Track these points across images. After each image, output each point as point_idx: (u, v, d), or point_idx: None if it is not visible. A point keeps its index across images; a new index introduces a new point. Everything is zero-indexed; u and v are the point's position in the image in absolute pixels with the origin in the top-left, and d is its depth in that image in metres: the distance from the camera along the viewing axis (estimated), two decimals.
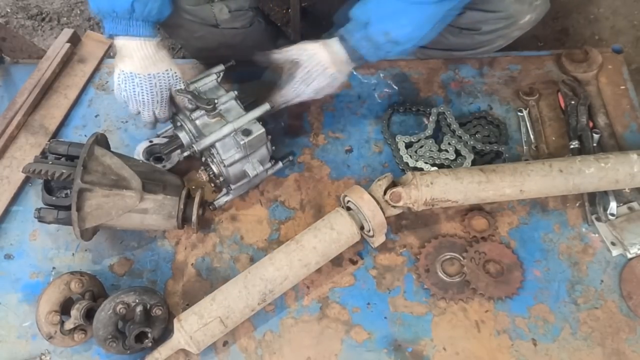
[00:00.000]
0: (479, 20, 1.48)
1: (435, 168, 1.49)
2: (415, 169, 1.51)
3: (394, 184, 1.33)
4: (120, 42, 1.26)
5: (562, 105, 1.60)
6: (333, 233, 1.28)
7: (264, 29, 1.61)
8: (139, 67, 1.26)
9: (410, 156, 1.52)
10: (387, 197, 1.31)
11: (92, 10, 1.24)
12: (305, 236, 1.30)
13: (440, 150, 1.54)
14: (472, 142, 1.53)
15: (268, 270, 1.25)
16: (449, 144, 1.54)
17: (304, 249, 1.27)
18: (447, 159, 1.52)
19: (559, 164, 1.33)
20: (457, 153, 1.53)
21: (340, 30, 1.33)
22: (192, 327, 1.19)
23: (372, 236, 1.35)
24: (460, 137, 1.54)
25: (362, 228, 1.33)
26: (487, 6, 1.44)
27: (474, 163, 1.50)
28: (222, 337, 1.29)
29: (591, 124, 1.54)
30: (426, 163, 1.51)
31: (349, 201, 1.33)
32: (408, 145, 1.54)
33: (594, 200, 1.43)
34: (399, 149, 1.54)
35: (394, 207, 1.32)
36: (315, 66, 1.33)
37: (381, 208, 1.29)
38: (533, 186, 1.32)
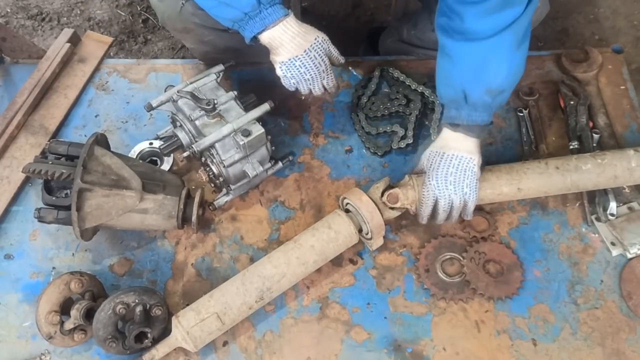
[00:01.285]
0: None
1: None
2: (377, 134, 1.59)
3: (391, 187, 1.34)
4: (265, 37, 1.24)
5: (562, 105, 1.60)
6: (331, 232, 1.29)
7: None
8: (294, 49, 1.25)
9: (367, 117, 1.60)
10: (384, 198, 1.31)
11: (224, 23, 1.26)
12: (303, 236, 1.31)
13: (390, 99, 1.62)
14: (420, 89, 1.61)
15: (266, 267, 1.26)
16: (397, 92, 1.63)
17: (301, 247, 1.28)
18: (399, 104, 1.60)
19: (555, 162, 1.34)
20: (407, 99, 1.61)
21: (444, 119, 1.29)
22: (189, 322, 1.20)
23: (371, 238, 1.35)
24: (409, 86, 1.62)
25: (360, 231, 1.34)
26: None
27: (424, 115, 1.60)
28: (222, 337, 1.30)
29: (591, 124, 1.54)
30: (383, 115, 1.60)
31: (347, 203, 1.33)
32: (361, 108, 1.61)
33: (593, 200, 1.43)
34: (362, 126, 1.58)
35: (392, 208, 1.32)
36: (456, 172, 1.26)
37: (379, 210, 1.29)
38: (531, 184, 1.32)
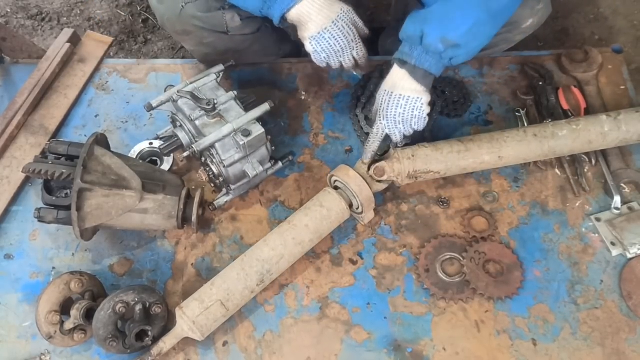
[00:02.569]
0: None
1: None
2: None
3: (376, 161, 1.38)
4: (294, 13, 1.26)
5: (563, 104, 1.60)
6: (323, 210, 1.32)
7: (271, 33, 1.61)
8: (322, 20, 1.26)
9: (367, 117, 1.58)
10: (371, 172, 1.36)
11: (252, 8, 1.29)
12: (296, 216, 1.33)
13: None
14: None
15: (264, 251, 1.28)
16: None
17: (296, 227, 1.31)
18: None
19: (533, 129, 1.40)
20: None
21: (396, 55, 1.31)
22: (194, 312, 1.21)
23: (361, 213, 1.37)
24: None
25: (350, 206, 1.36)
26: None
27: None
28: (222, 337, 1.30)
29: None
30: None
31: (336, 180, 1.37)
32: (361, 108, 1.59)
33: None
34: (361, 127, 1.58)
35: (379, 181, 1.36)
36: (396, 107, 1.31)
37: (367, 183, 1.32)
38: (510, 152, 1.38)
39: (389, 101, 1.31)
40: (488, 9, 1.21)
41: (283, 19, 1.29)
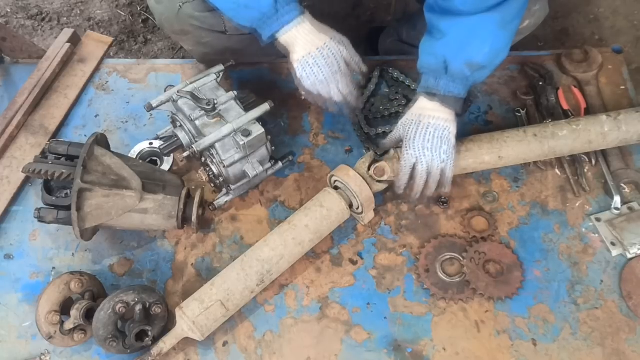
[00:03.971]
0: None
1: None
2: (377, 136, 1.58)
3: (376, 161, 1.38)
4: (282, 36, 1.24)
5: (563, 104, 1.60)
6: (323, 210, 1.32)
7: None
8: (307, 46, 1.24)
9: (366, 118, 1.60)
10: (371, 172, 1.35)
11: (242, 24, 1.25)
12: (296, 216, 1.33)
13: (390, 100, 1.63)
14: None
15: (264, 251, 1.28)
16: (397, 92, 1.63)
17: (296, 227, 1.30)
18: (399, 105, 1.61)
19: (533, 129, 1.40)
20: (407, 99, 1.61)
21: (420, 88, 1.31)
22: (194, 312, 1.20)
23: (361, 213, 1.37)
24: (409, 86, 1.63)
25: (350, 206, 1.36)
26: None
27: None
28: (222, 337, 1.30)
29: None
30: (382, 116, 1.61)
31: (336, 180, 1.37)
32: (360, 108, 1.59)
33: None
34: (361, 127, 1.59)
35: (379, 181, 1.36)
36: (429, 137, 1.28)
37: (367, 183, 1.33)
38: (510, 152, 1.38)
39: (417, 129, 1.28)
40: (503, 22, 1.20)
41: (274, 39, 1.26)
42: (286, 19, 1.21)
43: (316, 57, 1.24)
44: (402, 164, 1.31)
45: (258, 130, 1.32)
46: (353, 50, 1.29)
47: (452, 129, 1.29)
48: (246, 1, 1.20)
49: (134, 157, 1.53)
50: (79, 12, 2.53)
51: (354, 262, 1.40)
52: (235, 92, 1.38)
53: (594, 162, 1.50)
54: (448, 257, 1.39)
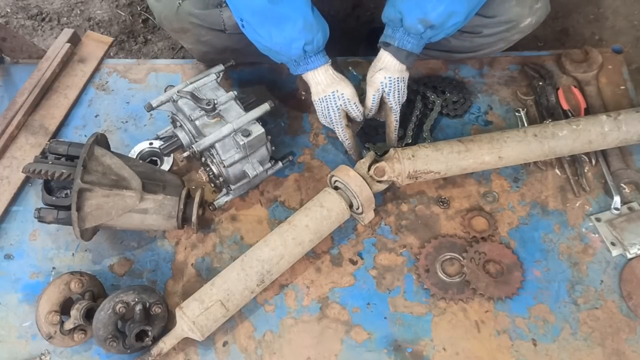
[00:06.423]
0: (480, 24, 1.48)
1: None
2: (377, 135, 1.58)
3: (376, 161, 1.38)
4: (305, 76, 1.41)
5: (563, 105, 1.60)
6: (323, 210, 1.32)
7: None
8: (319, 91, 1.42)
9: (366, 118, 1.54)
10: (371, 172, 1.36)
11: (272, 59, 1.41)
12: (297, 216, 1.33)
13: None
14: (420, 89, 1.62)
15: (264, 251, 1.28)
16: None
17: (296, 228, 1.31)
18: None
19: (533, 129, 1.40)
20: (407, 99, 1.54)
21: (382, 37, 1.39)
22: (194, 312, 1.21)
23: (361, 213, 1.37)
24: (409, 86, 1.55)
25: (350, 206, 1.36)
26: (487, 10, 1.44)
27: (424, 115, 1.59)
28: (222, 337, 1.30)
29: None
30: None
31: (336, 181, 1.37)
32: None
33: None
34: (361, 127, 1.57)
35: (379, 181, 1.36)
36: (393, 87, 1.42)
37: (367, 184, 1.33)
38: (510, 152, 1.38)
39: (374, 74, 1.42)
40: None
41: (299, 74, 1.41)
42: (312, 66, 1.37)
43: (321, 103, 1.44)
44: (367, 97, 1.46)
45: (258, 130, 1.32)
46: (354, 101, 1.43)
47: (405, 78, 1.42)
48: (278, 49, 1.32)
49: (134, 157, 1.53)
50: (79, 12, 2.53)
51: (354, 262, 1.40)
52: (235, 92, 1.38)
53: (594, 162, 1.50)
54: (448, 257, 1.39)
